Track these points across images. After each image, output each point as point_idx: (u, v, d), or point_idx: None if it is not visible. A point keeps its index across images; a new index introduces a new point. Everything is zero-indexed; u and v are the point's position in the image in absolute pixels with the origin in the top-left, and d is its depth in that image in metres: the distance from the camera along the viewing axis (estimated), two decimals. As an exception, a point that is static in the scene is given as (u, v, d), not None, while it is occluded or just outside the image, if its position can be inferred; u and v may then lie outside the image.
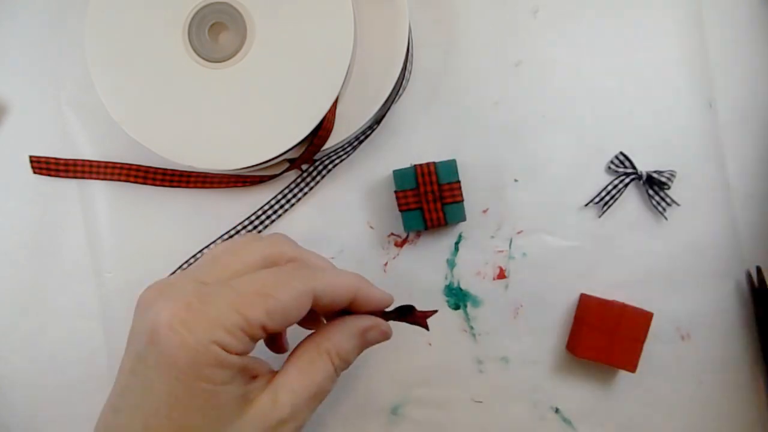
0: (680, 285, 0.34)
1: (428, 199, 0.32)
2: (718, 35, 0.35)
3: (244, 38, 0.31)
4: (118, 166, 0.35)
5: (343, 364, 0.25)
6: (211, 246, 0.35)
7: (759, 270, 0.34)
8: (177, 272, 0.27)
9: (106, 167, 0.35)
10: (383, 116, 0.34)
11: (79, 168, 0.35)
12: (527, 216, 0.34)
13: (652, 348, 0.33)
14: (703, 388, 0.34)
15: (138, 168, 0.35)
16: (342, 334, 0.25)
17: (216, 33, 0.32)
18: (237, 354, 0.22)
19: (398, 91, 0.33)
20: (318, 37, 0.31)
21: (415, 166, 0.32)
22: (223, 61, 0.31)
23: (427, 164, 0.32)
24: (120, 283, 0.35)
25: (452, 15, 0.35)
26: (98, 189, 0.35)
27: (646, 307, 0.33)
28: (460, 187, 0.32)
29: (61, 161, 0.35)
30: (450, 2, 0.35)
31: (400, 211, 0.33)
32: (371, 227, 0.35)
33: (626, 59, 0.35)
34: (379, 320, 0.26)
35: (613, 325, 0.32)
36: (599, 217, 0.34)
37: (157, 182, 0.35)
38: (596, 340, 0.32)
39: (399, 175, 0.32)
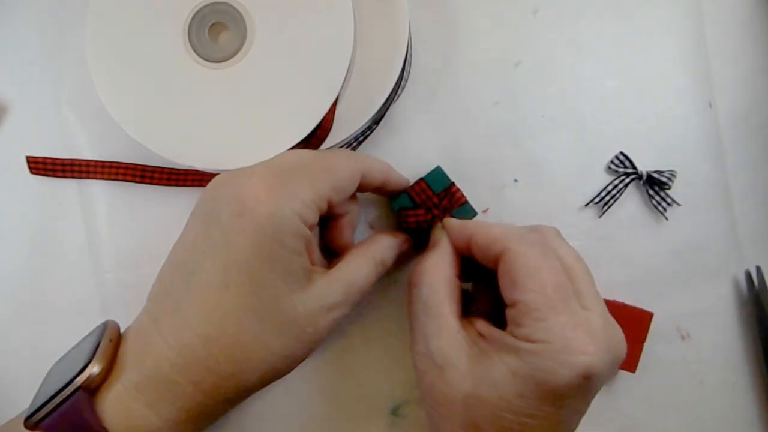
0: (680, 285, 0.34)
1: (435, 214, 0.32)
2: (718, 35, 0.35)
3: (244, 38, 0.31)
4: (116, 165, 0.35)
5: (383, 269, 0.29)
6: None
7: (759, 270, 0.34)
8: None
9: (104, 167, 0.35)
10: (382, 116, 0.34)
11: (76, 168, 0.35)
12: (527, 216, 0.34)
13: (652, 348, 0.33)
14: (703, 388, 0.34)
15: (136, 167, 0.35)
16: (384, 244, 0.30)
17: (216, 33, 0.32)
18: (309, 227, 0.25)
19: (397, 91, 0.33)
20: (318, 37, 0.31)
21: (407, 191, 0.32)
22: (223, 61, 0.31)
23: (417, 183, 0.32)
24: (120, 283, 0.35)
25: (452, 15, 0.35)
26: (98, 189, 0.35)
27: (646, 307, 0.33)
28: (457, 189, 0.32)
29: (59, 161, 0.35)
30: (450, 2, 0.35)
31: (409, 233, 0.33)
32: (371, 227, 0.35)
33: (626, 59, 0.35)
34: (405, 238, 0.32)
35: None
36: (599, 217, 0.34)
37: (155, 181, 0.34)
38: None
39: (397, 205, 0.32)
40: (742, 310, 0.34)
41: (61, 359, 0.27)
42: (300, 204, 0.25)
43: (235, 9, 0.31)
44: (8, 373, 0.35)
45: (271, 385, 0.34)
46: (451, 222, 0.31)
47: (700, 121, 0.35)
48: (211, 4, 0.31)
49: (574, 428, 0.26)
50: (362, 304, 0.34)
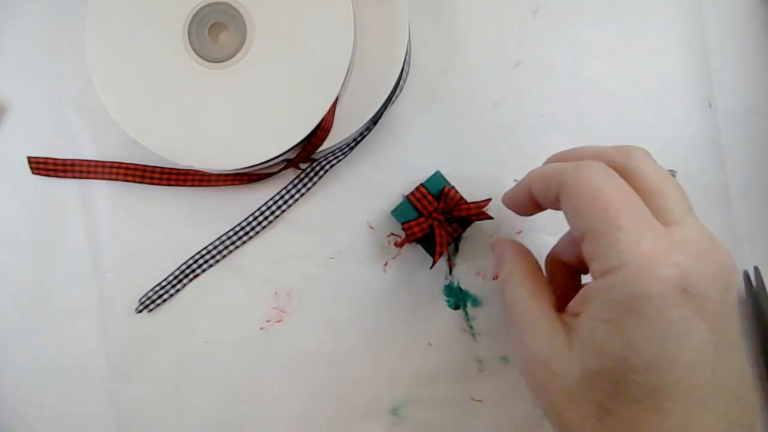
0: (680, 285, 0.34)
1: (435, 219, 0.32)
2: (718, 35, 0.35)
3: (244, 38, 0.31)
4: (116, 165, 0.35)
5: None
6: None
7: (757, 270, 0.34)
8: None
9: (104, 167, 0.35)
10: (380, 117, 0.34)
11: (77, 168, 0.35)
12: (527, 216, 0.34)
13: (651, 348, 0.33)
14: (703, 387, 0.34)
15: (136, 167, 0.35)
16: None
17: (216, 33, 0.32)
18: None
19: (396, 91, 0.33)
20: (318, 37, 0.31)
21: (407, 197, 0.32)
22: (223, 61, 0.31)
23: (417, 188, 0.32)
24: (120, 283, 0.35)
25: (452, 15, 0.35)
26: (98, 189, 0.35)
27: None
28: (450, 188, 0.32)
29: (60, 161, 0.35)
30: (450, 2, 0.35)
31: (417, 242, 0.32)
32: (371, 227, 0.35)
33: (626, 59, 0.35)
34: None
35: None
36: (599, 217, 0.34)
37: (155, 181, 0.35)
38: None
39: (399, 212, 0.32)
40: (741, 311, 0.34)
41: None
42: None
43: (235, 9, 0.31)
44: (8, 373, 0.35)
45: (271, 386, 0.35)
46: (507, 193, 0.28)
47: (700, 121, 0.35)
48: (211, 4, 0.31)
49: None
50: (362, 305, 0.34)
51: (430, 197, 0.32)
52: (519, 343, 0.25)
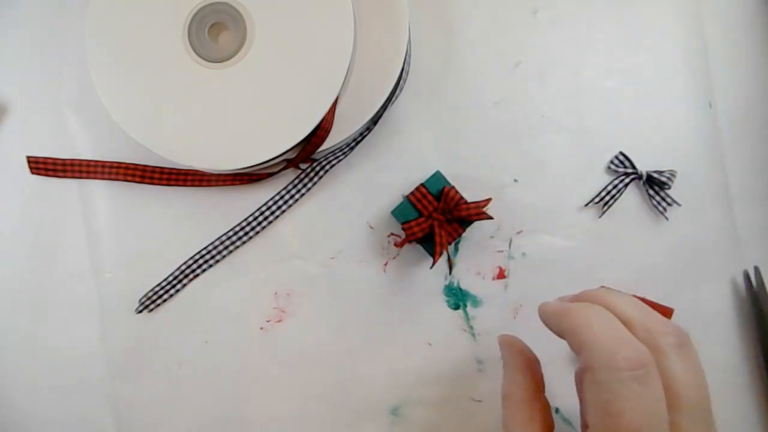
0: (680, 285, 0.34)
1: (435, 219, 0.32)
2: (718, 35, 0.35)
3: (244, 38, 0.31)
4: (116, 165, 0.35)
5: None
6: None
7: (757, 270, 0.34)
8: None
9: (104, 167, 0.35)
10: (380, 116, 0.34)
11: (77, 168, 0.35)
12: (527, 216, 0.34)
13: (651, 348, 0.33)
14: (703, 388, 0.34)
15: (136, 167, 0.35)
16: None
17: (216, 33, 0.32)
18: None
19: (396, 91, 0.33)
20: (318, 37, 0.31)
21: (407, 196, 0.32)
22: (223, 61, 0.31)
23: (417, 188, 0.32)
24: (120, 283, 0.35)
25: (452, 15, 0.35)
26: (98, 189, 0.35)
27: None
28: (450, 188, 0.32)
29: (59, 161, 0.35)
30: (450, 2, 0.35)
31: (417, 242, 0.32)
32: (371, 227, 0.35)
33: (626, 59, 0.35)
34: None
35: None
36: (599, 217, 0.34)
37: (155, 181, 0.35)
38: None
39: (399, 212, 0.32)
40: (741, 310, 0.34)
41: None
42: None
43: (235, 9, 0.31)
44: (8, 373, 0.35)
45: (271, 386, 0.35)
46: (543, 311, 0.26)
47: (700, 121, 0.35)
48: (211, 4, 0.31)
49: None
50: (362, 305, 0.34)
51: (430, 197, 0.32)
52: None
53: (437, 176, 0.33)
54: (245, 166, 0.31)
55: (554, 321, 0.24)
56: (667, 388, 0.21)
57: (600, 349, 0.21)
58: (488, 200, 0.32)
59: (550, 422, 0.24)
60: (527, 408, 0.25)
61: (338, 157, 0.34)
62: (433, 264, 0.32)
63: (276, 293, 0.35)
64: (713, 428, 0.21)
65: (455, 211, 0.32)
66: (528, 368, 0.26)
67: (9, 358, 0.35)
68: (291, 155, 0.32)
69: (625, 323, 0.22)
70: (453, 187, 0.32)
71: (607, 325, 0.22)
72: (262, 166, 0.33)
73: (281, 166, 0.34)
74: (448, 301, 0.34)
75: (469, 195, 0.33)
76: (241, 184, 0.34)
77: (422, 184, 0.32)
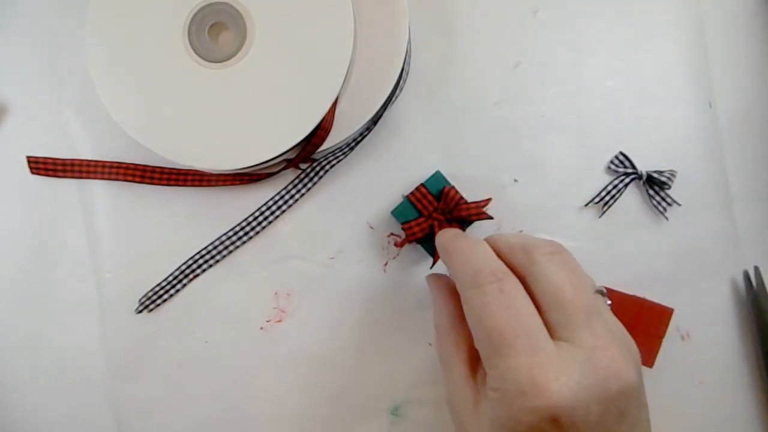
0: (680, 285, 0.34)
1: (435, 219, 0.32)
2: (718, 35, 0.35)
3: (244, 38, 0.31)
4: (116, 165, 0.35)
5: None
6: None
7: (757, 270, 0.34)
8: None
9: (104, 167, 0.35)
10: (380, 116, 0.34)
11: (77, 168, 0.35)
12: (527, 216, 0.34)
13: (651, 348, 0.33)
14: (703, 387, 0.34)
15: (136, 167, 0.35)
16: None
17: (216, 33, 0.32)
18: None
19: (396, 91, 0.33)
20: (318, 37, 0.31)
21: (407, 197, 0.32)
22: (223, 61, 0.31)
23: (417, 188, 0.32)
24: (120, 283, 0.35)
25: (452, 15, 0.35)
26: (98, 189, 0.35)
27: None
28: (450, 188, 0.32)
29: (59, 161, 0.35)
30: (450, 2, 0.35)
31: (417, 242, 0.32)
32: (371, 227, 0.35)
33: (626, 59, 0.35)
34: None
35: (633, 320, 0.32)
36: (599, 217, 0.34)
37: (155, 181, 0.35)
38: None
39: (399, 212, 0.32)
40: (741, 310, 0.34)
41: None
42: None
43: (235, 9, 0.31)
44: (8, 373, 0.35)
45: (271, 386, 0.35)
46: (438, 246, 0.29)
47: (700, 121, 0.35)
48: (211, 4, 0.31)
49: None
50: (362, 305, 0.34)
51: (430, 197, 0.32)
52: (444, 384, 0.27)
53: (437, 176, 0.33)
54: (245, 166, 0.31)
55: (442, 254, 0.28)
56: (543, 291, 0.23)
57: (464, 272, 0.24)
58: (488, 200, 0.32)
59: (470, 351, 0.26)
60: (453, 333, 0.27)
61: (338, 157, 0.34)
62: (433, 264, 0.32)
63: (276, 293, 0.35)
64: (597, 319, 0.23)
65: (455, 211, 0.32)
66: (452, 298, 0.28)
67: (9, 358, 0.35)
68: (291, 155, 0.32)
69: (509, 250, 0.25)
70: (453, 187, 0.32)
71: (473, 253, 0.25)
72: (262, 166, 0.33)
73: (281, 166, 0.34)
74: (448, 301, 0.34)
75: (469, 195, 0.33)
76: (241, 184, 0.34)
77: (422, 184, 0.32)
